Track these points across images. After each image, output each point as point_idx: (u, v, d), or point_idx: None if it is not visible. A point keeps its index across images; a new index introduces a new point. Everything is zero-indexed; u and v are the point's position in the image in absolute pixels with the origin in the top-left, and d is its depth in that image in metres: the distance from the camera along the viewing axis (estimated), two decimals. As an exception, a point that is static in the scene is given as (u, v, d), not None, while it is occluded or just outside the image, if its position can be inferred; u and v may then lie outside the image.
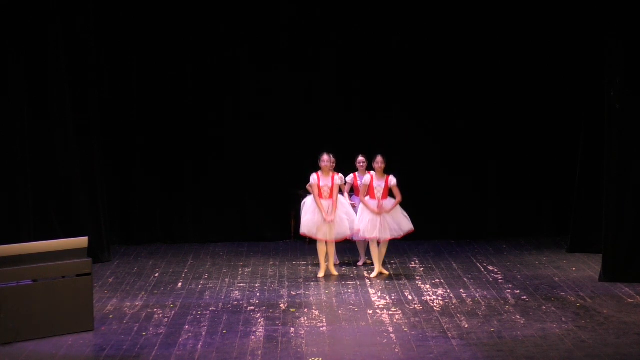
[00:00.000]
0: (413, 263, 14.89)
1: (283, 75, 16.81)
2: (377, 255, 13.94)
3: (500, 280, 13.60)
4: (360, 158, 14.54)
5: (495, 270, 14.28)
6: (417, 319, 11.54)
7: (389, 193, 13.96)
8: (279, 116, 16.84)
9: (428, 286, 13.33)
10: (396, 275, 14.06)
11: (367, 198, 13.87)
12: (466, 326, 11.22)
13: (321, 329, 11.15)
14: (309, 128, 16.83)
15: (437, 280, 13.71)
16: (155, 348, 10.40)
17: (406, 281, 13.66)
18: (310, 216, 13.82)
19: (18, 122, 14.32)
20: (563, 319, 11.47)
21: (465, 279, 13.71)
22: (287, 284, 13.58)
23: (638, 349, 10.22)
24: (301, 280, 13.79)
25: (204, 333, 10.99)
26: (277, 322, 11.44)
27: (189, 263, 14.97)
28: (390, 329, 11.10)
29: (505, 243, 16.38)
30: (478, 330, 11.05)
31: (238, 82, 16.79)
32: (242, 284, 13.53)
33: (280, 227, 16.89)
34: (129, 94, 16.59)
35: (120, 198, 16.70)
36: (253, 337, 10.79)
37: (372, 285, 13.38)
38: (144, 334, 10.97)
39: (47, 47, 14.71)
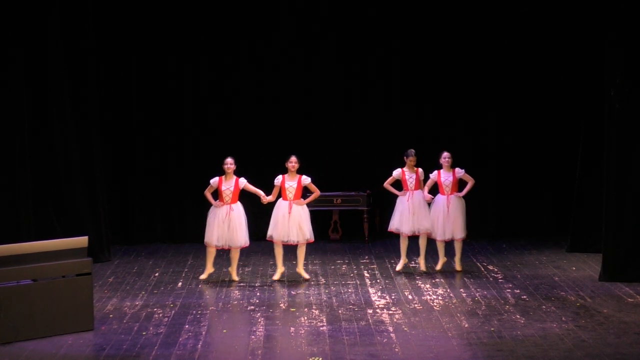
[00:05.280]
0: (413, 262, 14.89)
1: (283, 74, 16.85)
2: (280, 256, 13.75)
3: (500, 280, 13.61)
4: (445, 154, 14.15)
5: (495, 270, 14.28)
6: (417, 319, 11.54)
7: (305, 192, 13.81)
8: (278, 116, 16.87)
9: (428, 286, 13.33)
10: (396, 274, 14.07)
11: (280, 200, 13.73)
12: (466, 326, 11.22)
13: (321, 328, 11.15)
14: (310, 128, 16.87)
15: (437, 279, 13.71)
16: (155, 348, 10.39)
17: (406, 281, 13.66)
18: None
19: (18, 121, 14.32)
20: (563, 318, 11.47)
21: (465, 279, 13.72)
22: (287, 283, 13.58)
23: (638, 348, 10.21)
24: (301, 279, 13.79)
25: (204, 333, 10.99)
26: (277, 322, 11.44)
27: (189, 263, 14.97)
28: (390, 329, 11.10)
29: (505, 243, 16.38)
30: (478, 329, 11.05)
31: (238, 81, 16.81)
32: (242, 284, 13.53)
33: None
34: (128, 93, 16.62)
35: (121, 198, 16.72)
36: (253, 337, 10.79)
37: (372, 285, 13.38)
38: (144, 333, 10.96)
39: (47, 46, 14.71)
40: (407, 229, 14.07)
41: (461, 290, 13.03)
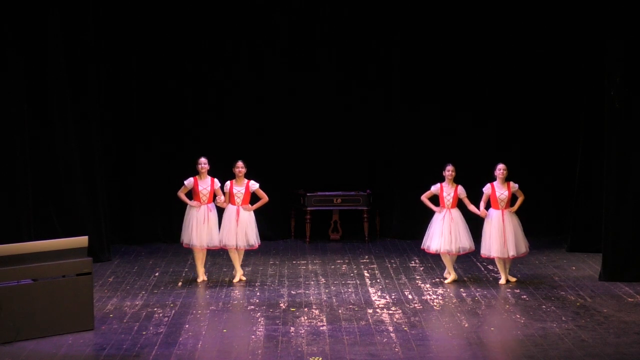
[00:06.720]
0: (413, 262, 14.90)
1: (283, 74, 16.84)
2: (237, 259, 13.66)
3: (500, 280, 13.60)
4: (501, 165, 13.57)
5: (495, 269, 14.26)
6: (417, 318, 11.55)
7: (253, 198, 13.67)
8: (279, 115, 16.86)
9: (428, 285, 13.33)
10: (396, 274, 14.07)
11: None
12: (466, 325, 11.22)
13: (321, 328, 11.15)
14: (310, 128, 16.87)
15: (437, 279, 13.72)
16: (156, 347, 10.40)
17: (406, 280, 13.66)
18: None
19: (18, 121, 14.31)
20: (563, 318, 11.48)
21: (465, 279, 13.72)
22: (287, 283, 13.58)
23: (638, 348, 10.22)
24: (301, 279, 13.79)
25: (204, 332, 10.99)
26: (277, 322, 11.44)
27: (189, 262, 14.95)
28: (390, 328, 11.10)
29: (505, 243, 16.36)
30: (478, 329, 11.05)
31: (238, 81, 16.80)
32: (242, 284, 13.54)
33: (280, 227, 16.91)
34: (128, 93, 16.60)
35: (121, 197, 16.71)
36: (253, 337, 10.79)
37: (372, 285, 13.39)
38: (144, 333, 10.97)
39: (47, 46, 14.71)
40: (437, 246, 13.47)
41: (461, 289, 13.04)
